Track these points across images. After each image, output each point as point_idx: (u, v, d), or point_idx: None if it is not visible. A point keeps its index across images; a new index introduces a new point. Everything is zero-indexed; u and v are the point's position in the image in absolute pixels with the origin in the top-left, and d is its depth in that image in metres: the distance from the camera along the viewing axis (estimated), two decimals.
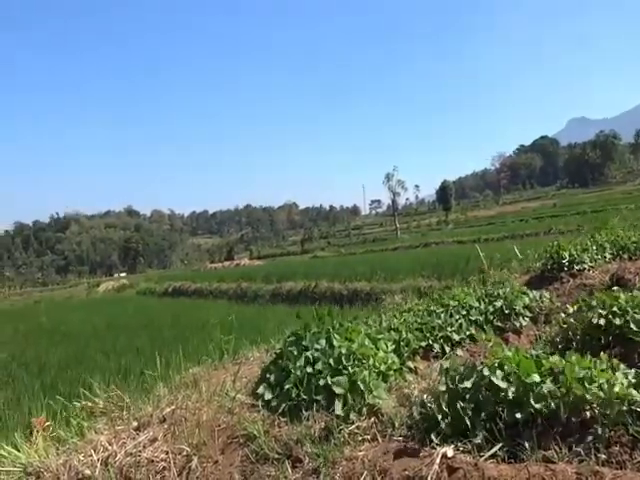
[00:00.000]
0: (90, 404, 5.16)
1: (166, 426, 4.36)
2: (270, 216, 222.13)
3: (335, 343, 4.84)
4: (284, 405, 4.40)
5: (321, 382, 4.40)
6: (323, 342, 4.89)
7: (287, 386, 4.52)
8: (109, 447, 4.15)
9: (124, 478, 3.87)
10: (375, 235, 63.80)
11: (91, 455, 4.07)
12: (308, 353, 4.76)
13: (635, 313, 5.28)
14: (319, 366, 4.57)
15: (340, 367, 4.53)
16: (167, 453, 4.01)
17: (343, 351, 4.68)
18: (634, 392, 3.22)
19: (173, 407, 4.65)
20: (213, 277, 36.43)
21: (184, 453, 4.00)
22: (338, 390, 4.26)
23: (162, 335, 15.72)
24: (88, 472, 3.90)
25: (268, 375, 4.85)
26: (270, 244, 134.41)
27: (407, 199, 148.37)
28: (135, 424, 4.51)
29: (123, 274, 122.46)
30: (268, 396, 4.61)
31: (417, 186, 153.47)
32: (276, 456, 3.74)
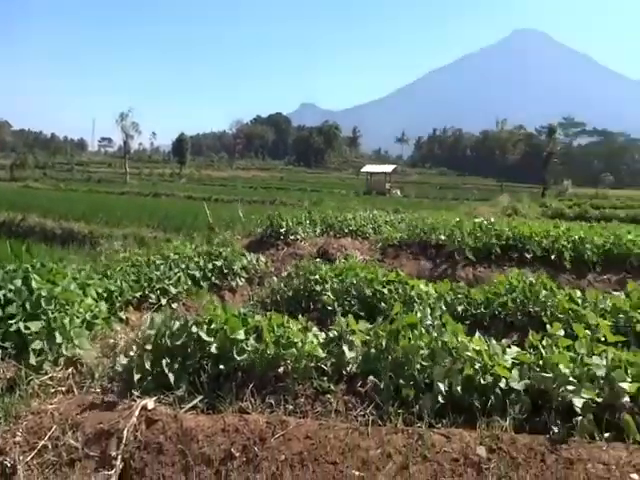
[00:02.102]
0: None
1: None
2: None
3: (34, 285, 4.27)
4: None
5: (13, 327, 3.84)
6: (19, 282, 4.26)
7: None
8: None
9: None
10: (102, 175, 58.46)
11: None
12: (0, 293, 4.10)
13: (333, 282, 6.11)
14: (12, 309, 3.98)
15: (38, 312, 4.03)
16: None
17: (43, 294, 4.16)
18: (321, 351, 3.71)
19: None
20: None
21: None
22: (32, 337, 3.79)
23: None
24: None
25: None
26: None
27: (141, 144, 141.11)
28: None
29: None
30: None
31: (154, 133, 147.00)
32: None
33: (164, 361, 3.53)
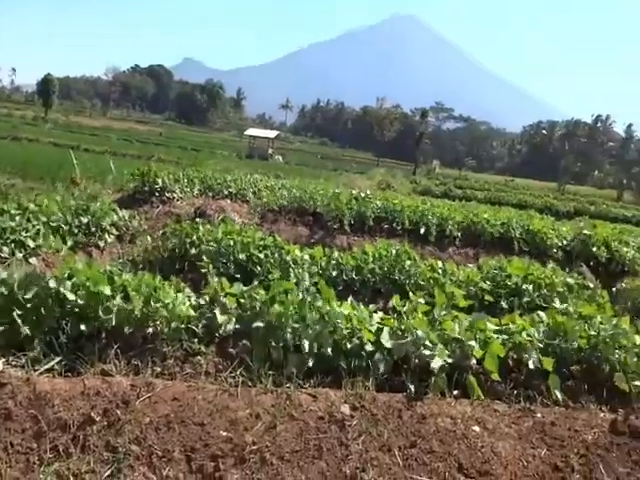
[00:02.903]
0: None
1: None
2: None
3: None
4: None
5: None
6: None
7: None
8: None
9: None
10: None
11: None
12: None
13: (208, 245, 5.97)
14: None
15: None
16: None
17: None
18: (192, 312, 3.63)
19: None
20: None
21: None
22: None
23: None
24: None
25: None
26: None
27: None
28: None
29: None
30: None
31: (14, 69, 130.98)
32: None
33: (16, 318, 3.21)
